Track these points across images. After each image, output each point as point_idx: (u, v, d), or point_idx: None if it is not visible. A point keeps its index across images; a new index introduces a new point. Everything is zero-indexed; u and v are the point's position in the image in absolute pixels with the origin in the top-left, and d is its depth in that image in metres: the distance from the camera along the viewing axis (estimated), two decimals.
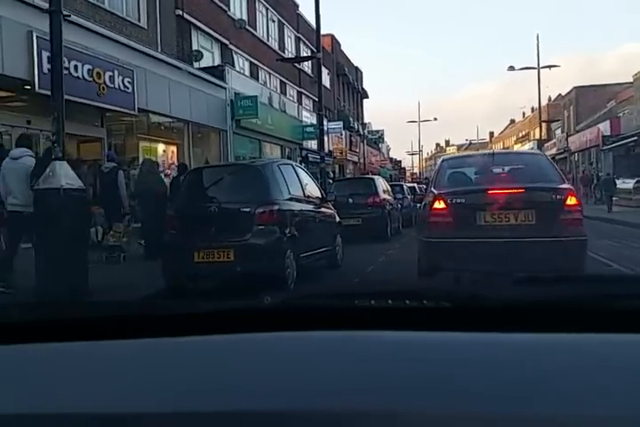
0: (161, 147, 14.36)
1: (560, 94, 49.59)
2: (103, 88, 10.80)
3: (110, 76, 11.02)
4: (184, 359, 0.71)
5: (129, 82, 11.55)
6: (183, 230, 5.77)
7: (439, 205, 4.86)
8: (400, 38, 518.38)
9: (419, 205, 18.75)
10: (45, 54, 9.41)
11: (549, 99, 51.60)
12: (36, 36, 9.11)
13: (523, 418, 0.54)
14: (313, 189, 7.28)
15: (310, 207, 6.86)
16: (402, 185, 17.78)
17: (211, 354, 0.72)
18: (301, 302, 0.86)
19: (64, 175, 5.15)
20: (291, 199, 6.21)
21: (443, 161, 5.84)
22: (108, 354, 0.74)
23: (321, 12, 14.80)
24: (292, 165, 7.13)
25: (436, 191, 5.12)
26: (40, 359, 0.74)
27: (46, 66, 9.45)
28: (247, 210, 5.66)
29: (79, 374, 0.69)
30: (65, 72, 10.06)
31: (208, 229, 5.64)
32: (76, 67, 10.09)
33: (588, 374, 0.61)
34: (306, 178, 7.17)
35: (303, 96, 27.33)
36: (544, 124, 37.59)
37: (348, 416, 0.55)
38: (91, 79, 10.52)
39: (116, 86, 11.21)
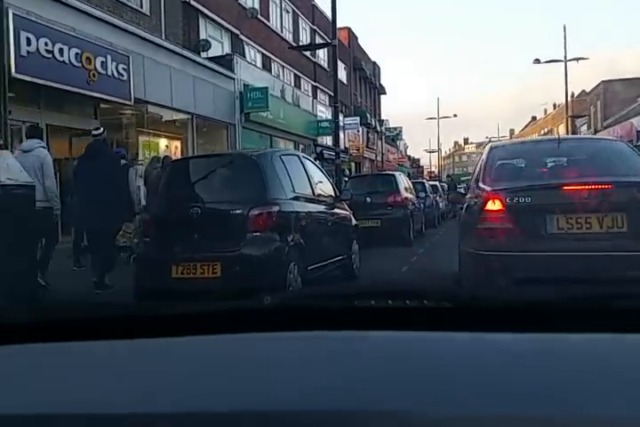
0: (163, 142, 13.30)
1: (584, 90, 48.24)
2: (93, 75, 9.75)
3: (102, 62, 9.96)
4: (184, 359, 0.70)
5: (124, 69, 10.49)
6: (159, 238, 4.60)
7: (494, 206, 3.62)
8: (419, 34, 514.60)
9: (444, 203, 17.80)
10: (24, 35, 8.38)
11: (572, 95, 50.11)
12: (13, 14, 8.04)
13: (523, 418, 0.53)
14: (325, 187, 6.04)
15: (321, 208, 5.64)
16: (423, 183, 16.61)
17: (210, 354, 0.71)
18: (301, 302, 0.87)
19: (4, 169, 4.04)
20: (296, 198, 4.99)
21: (492, 149, 4.53)
22: (107, 354, 0.73)
23: (339, 5, 13.68)
24: (298, 156, 5.84)
25: (488, 188, 3.85)
26: (40, 359, 0.73)
27: (25, 48, 8.42)
28: (239, 212, 4.45)
29: (79, 374, 0.68)
30: (48, 56, 9.14)
31: (189, 237, 4.45)
32: (61, 50, 9.02)
33: (589, 374, 0.60)
34: (316, 173, 5.92)
35: (318, 91, 26.25)
36: (568, 121, 36.26)
37: (348, 417, 0.55)
38: (79, 64, 9.46)
39: (109, 73, 10.15)
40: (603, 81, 38.86)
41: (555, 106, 59.00)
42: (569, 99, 42.83)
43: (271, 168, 4.78)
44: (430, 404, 0.56)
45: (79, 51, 9.41)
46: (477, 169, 4.45)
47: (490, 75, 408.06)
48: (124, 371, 0.68)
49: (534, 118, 74.31)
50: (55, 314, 0.87)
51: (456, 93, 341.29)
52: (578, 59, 31.12)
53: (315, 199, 5.52)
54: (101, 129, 6.75)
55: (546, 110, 63.71)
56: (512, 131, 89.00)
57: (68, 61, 9.18)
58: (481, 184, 4.02)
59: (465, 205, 4.44)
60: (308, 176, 5.53)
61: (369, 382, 0.60)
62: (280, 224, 4.54)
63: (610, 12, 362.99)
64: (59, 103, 9.89)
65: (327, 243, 5.49)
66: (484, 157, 4.46)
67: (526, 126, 77.22)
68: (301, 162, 5.60)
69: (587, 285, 1.02)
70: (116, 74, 10.30)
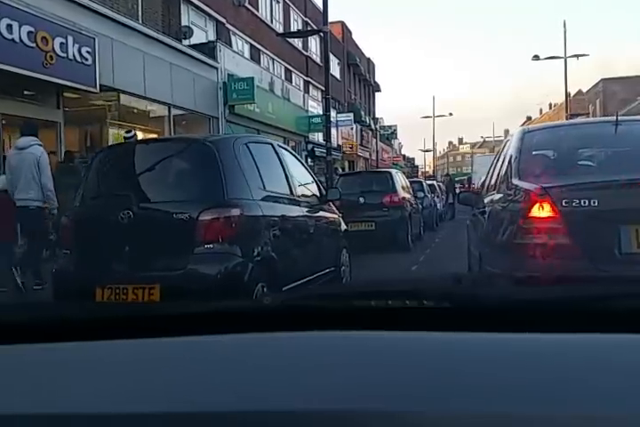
0: (137, 135, 12.14)
1: (580, 90, 47.68)
2: (51, 57, 8.59)
3: (61, 43, 8.80)
4: (183, 360, 0.69)
5: (88, 52, 9.34)
6: (80, 250, 3.47)
7: (542, 211, 2.49)
8: (415, 32, 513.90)
9: (441, 203, 16.79)
10: None
11: (569, 95, 49.56)
12: None
13: (523, 418, 0.53)
14: (307, 185, 4.92)
15: (301, 211, 4.49)
16: (421, 182, 15.59)
17: (210, 354, 0.70)
18: (301, 302, 0.86)
19: None
20: (267, 199, 3.85)
21: (525, 134, 3.32)
22: (107, 354, 0.72)
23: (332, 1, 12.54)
24: (272, 144, 4.61)
25: (530, 186, 2.70)
26: (40, 359, 0.73)
27: None
28: (186, 216, 3.32)
29: (79, 374, 0.67)
30: None
31: (119, 250, 3.33)
32: (9, 27, 7.86)
33: (589, 374, 0.59)
34: (296, 167, 4.75)
35: (310, 86, 25.16)
36: (567, 119, 35.56)
37: (348, 416, 0.55)
38: (33, 45, 8.30)
39: (70, 56, 8.99)
40: (602, 79, 38.25)
41: (550, 106, 58.43)
42: (566, 99, 42.15)
43: (232, 159, 3.61)
44: (430, 403, 0.55)
45: (33, 29, 8.26)
46: (505, 161, 3.30)
47: (485, 75, 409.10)
48: (123, 371, 0.66)
49: (529, 118, 73.93)
50: (54, 313, 0.86)
51: (450, 93, 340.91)
52: (578, 55, 30.34)
53: (293, 200, 4.38)
54: (133, 132, 6.71)
55: (541, 110, 63.33)
56: (507, 131, 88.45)
57: (18, 40, 8.03)
58: (516, 181, 2.85)
59: (487, 209, 3.31)
60: (284, 171, 4.38)
61: (369, 381, 0.59)
62: (243, 233, 3.40)
63: (606, 11, 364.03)
64: (13, 90, 8.76)
65: (309, 255, 4.36)
66: (513, 145, 3.28)
67: (521, 126, 76.70)
68: (276, 152, 4.42)
69: (587, 284, 1.00)
70: (78, 57, 9.15)
